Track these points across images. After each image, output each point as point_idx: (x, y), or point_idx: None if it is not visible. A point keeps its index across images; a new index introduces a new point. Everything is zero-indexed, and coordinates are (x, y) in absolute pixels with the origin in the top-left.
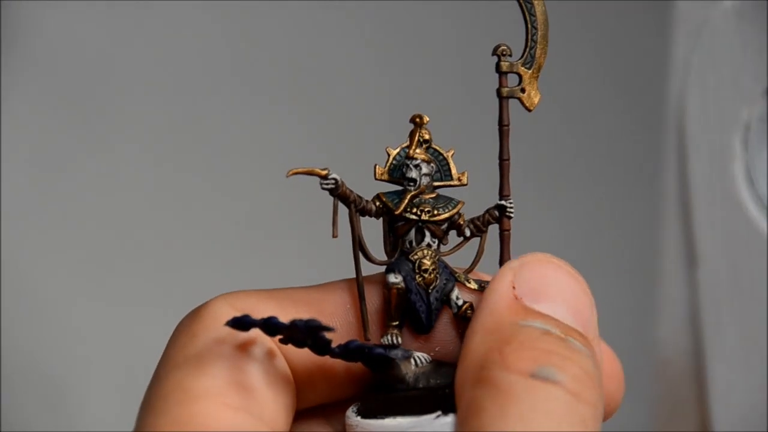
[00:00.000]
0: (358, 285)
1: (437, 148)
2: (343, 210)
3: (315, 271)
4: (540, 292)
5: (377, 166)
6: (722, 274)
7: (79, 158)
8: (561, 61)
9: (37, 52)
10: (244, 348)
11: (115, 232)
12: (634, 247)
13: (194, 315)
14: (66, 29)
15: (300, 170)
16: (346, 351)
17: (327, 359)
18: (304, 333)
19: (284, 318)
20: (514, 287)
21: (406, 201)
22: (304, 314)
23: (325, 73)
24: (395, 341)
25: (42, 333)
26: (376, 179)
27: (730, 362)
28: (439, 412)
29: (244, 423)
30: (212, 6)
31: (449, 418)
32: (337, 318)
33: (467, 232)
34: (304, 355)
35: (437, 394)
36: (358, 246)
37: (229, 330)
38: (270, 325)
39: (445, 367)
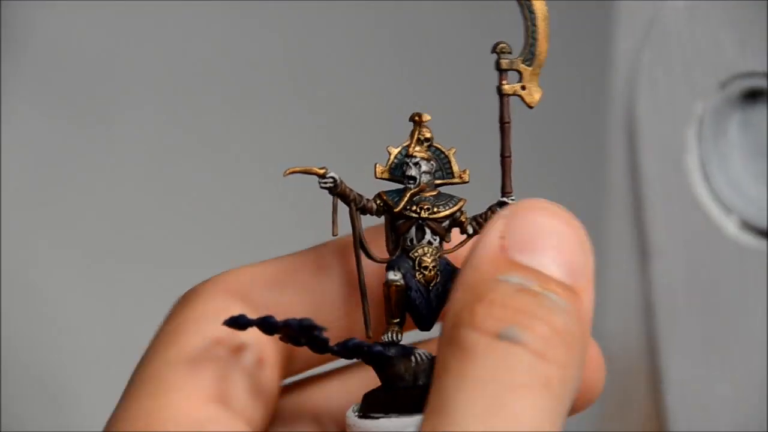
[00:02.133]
0: (360, 283)
1: (439, 146)
2: (343, 208)
3: None
4: (528, 241)
5: (377, 165)
6: (677, 268)
7: (79, 158)
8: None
9: (37, 52)
10: (228, 342)
11: (116, 231)
12: None
13: (186, 300)
14: (66, 29)
15: (297, 169)
16: (345, 349)
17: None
18: (298, 332)
19: (284, 306)
20: (504, 237)
21: (406, 199)
22: (304, 303)
23: (325, 72)
24: (395, 338)
25: (42, 333)
26: (376, 178)
27: (687, 356)
28: None
29: (219, 417)
30: (212, 6)
31: None
32: (339, 308)
33: (470, 230)
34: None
35: None
36: (359, 244)
37: (217, 323)
38: (267, 324)
39: None
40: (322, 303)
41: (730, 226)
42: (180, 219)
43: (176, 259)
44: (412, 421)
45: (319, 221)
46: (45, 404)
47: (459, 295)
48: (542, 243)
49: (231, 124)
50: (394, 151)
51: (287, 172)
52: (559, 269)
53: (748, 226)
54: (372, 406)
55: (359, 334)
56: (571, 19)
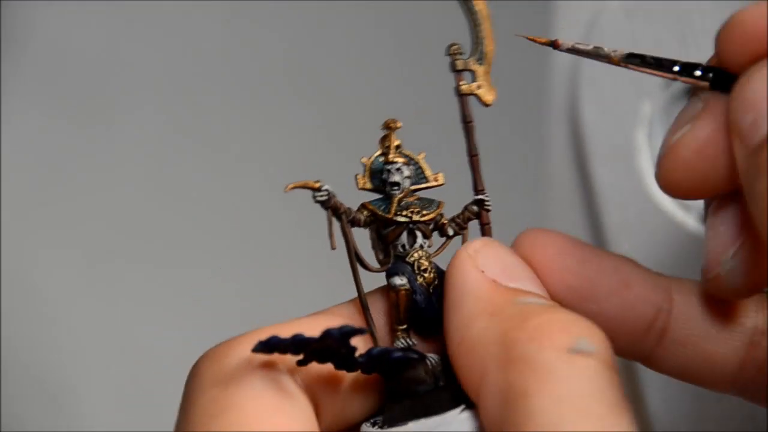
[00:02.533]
0: (359, 294)
1: (408, 153)
2: (335, 222)
3: (314, 279)
4: (509, 272)
5: (359, 176)
6: None
7: (79, 158)
8: (433, 61)
9: (37, 52)
10: (269, 366)
11: (116, 231)
12: None
13: (215, 351)
14: (66, 29)
15: (297, 184)
16: (370, 358)
17: (334, 377)
18: (338, 341)
19: (317, 368)
20: (483, 271)
21: (395, 205)
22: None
23: (325, 72)
24: (409, 343)
25: (42, 333)
26: (359, 189)
27: None
28: (463, 406)
29: (287, 424)
30: (212, 6)
31: (473, 410)
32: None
33: (450, 231)
34: (312, 378)
35: (455, 389)
36: (354, 256)
37: (253, 355)
38: (297, 342)
39: None
40: None
41: (691, 222)
42: (180, 219)
43: (176, 260)
44: (442, 420)
45: (318, 221)
46: (45, 404)
47: (484, 323)
48: (519, 272)
49: (231, 124)
50: (368, 161)
51: (288, 188)
52: (542, 293)
53: None
54: (396, 415)
55: None
56: (509, 19)
